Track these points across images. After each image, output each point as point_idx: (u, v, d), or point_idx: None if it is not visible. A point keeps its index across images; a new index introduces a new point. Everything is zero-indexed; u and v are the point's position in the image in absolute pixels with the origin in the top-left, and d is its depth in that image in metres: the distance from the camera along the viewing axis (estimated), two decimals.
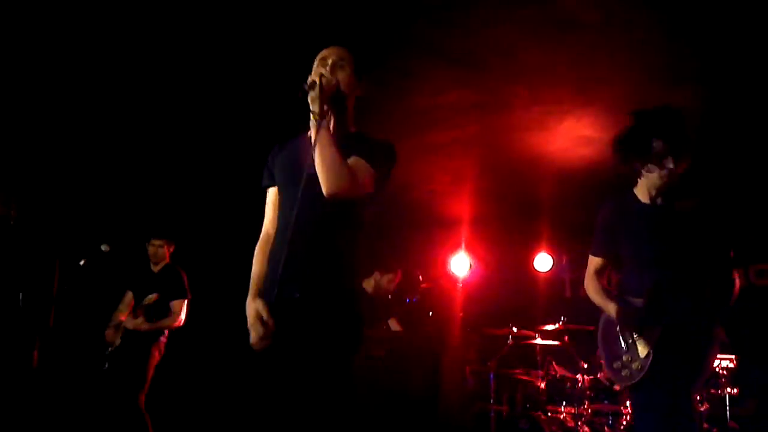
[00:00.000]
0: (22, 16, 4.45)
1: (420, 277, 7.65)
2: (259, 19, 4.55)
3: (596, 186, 6.52)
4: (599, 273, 3.68)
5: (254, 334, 2.63)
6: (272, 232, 2.89)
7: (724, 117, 5.72)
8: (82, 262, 4.89)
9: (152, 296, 5.57)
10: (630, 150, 3.48)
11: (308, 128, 2.79)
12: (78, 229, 6.22)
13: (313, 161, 2.56)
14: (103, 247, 4.90)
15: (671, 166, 3.36)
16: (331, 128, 2.73)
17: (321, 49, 2.88)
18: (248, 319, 2.69)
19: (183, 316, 5.67)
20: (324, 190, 2.54)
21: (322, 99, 2.57)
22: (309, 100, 2.57)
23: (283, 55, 4.83)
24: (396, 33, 4.72)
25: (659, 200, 3.49)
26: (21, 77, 5.17)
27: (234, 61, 5.03)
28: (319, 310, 2.59)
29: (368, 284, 5.78)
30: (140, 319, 5.56)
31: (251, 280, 2.81)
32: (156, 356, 5.60)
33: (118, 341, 5.58)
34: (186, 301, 5.70)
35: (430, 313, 7.58)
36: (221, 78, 5.28)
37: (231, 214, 5.26)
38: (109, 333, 5.65)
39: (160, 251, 5.90)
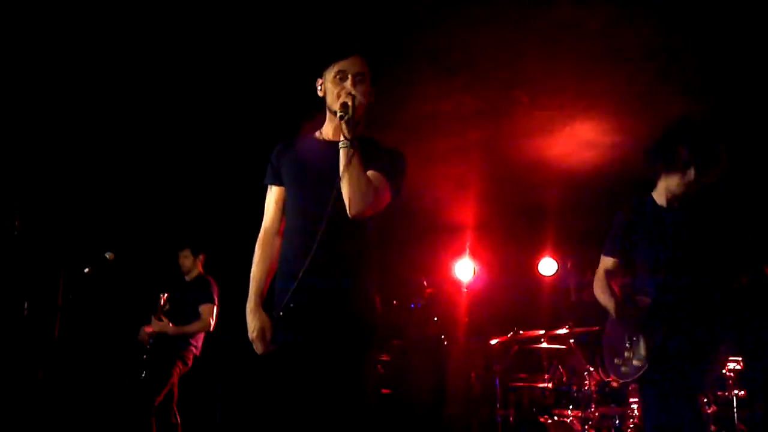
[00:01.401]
0: (28, 23, 4.48)
1: (425, 282, 7.65)
2: (262, 25, 4.57)
3: (600, 190, 6.55)
4: (609, 274, 3.68)
5: (259, 347, 2.70)
6: (273, 230, 2.89)
7: (728, 120, 5.72)
8: (86, 270, 4.90)
9: (163, 296, 5.64)
10: (656, 153, 3.49)
11: (314, 126, 2.86)
12: (82, 237, 6.24)
13: (339, 180, 2.57)
14: (108, 255, 4.91)
15: (692, 177, 3.35)
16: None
17: (324, 54, 2.83)
18: (250, 331, 2.71)
19: (212, 321, 5.69)
20: (350, 212, 2.57)
21: (354, 124, 2.58)
22: (343, 124, 2.57)
23: (286, 63, 4.87)
24: (396, 41, 4.74)
25: (676, 205, 3.48)
26: (24, 86, 5.20)
27: (241, 68, 5.06)
28: (333, 320, 2.62)
29: None
30: (165, 322, 5.61)
31: (252, 283, 2.81)
32: (180, 366, 5.60)
33: (147, 345, 5.66)
34: (214, 308, 5.71)
35: (435, 318, 7.58)
36: (225, 85, 5.30)
37: (237, 217, 5.29)
38: (141, 333, 5.72)
39: (186, 261, 5.96)
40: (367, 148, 2.68)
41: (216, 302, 5.75)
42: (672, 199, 3.47)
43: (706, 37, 4.64)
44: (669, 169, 3.43)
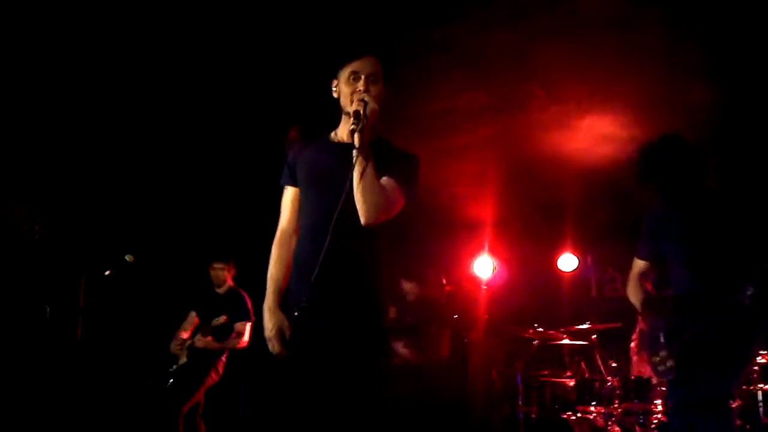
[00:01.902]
0: (45, 31, 4.51)
1: (444, 280, 7.62)
2: (279, 30, 4.58)
3: (618, 184, 6.47)
4: (643, 275, 3.75)
5: (276, 346, 2.70)
6: (289, 231, 2.90)
7: (743, 112, 5.65)
8: (107, 273, 4.94)
9: (222, 318, 5.70)
10: (638, 182, 3.60)
11: (329, 130, 2.85)
12: (102, 240, 6.28)
13: (351, 184, 2.56)
14: (128, 258, 4.94)
15: (664, 206, 3.50)
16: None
17: (338, 55, 2.82)
18: (267, 329, 2.73)
19: (247, 337, 5.76)
20: (363, 220, 2.58)
21: (367, 131, 2.57)
22: (355, 134, 2.55)
23: (304, 66, 4.87)
24: (409, 37, 4.73)
25: (688, 208, 3.50)
26: (45, 90, 5.24)
27: (259, 73, 5.07)
28: (347, 317, 2.61)
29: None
30: (209, 338, 5.70)
31: (269, 283, 2.83)
32: (213, 377, 5.69)
33: (184, 358, 5.73)
34: (250, 324, 5.77)
35: (455, 316, 7.55)
36: (243, 88, 5.31)
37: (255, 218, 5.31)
38: (174, 346, 5.80)
39: (221, 274, 6.00)
40: (380, 152, 2.67)
41: (252, 318, 5.80)
42: (674, 203, 3.52)
43: (724, 28, 4.59)
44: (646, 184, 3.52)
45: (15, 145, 5.88)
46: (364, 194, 2.55)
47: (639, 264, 3.74)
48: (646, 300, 3.58)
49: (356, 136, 2.54)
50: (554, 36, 4.69)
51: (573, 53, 4.91)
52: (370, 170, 2.56)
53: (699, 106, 5.47)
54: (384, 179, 2.63)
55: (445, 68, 5.12)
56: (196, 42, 4.68)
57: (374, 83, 2.72)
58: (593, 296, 8.25)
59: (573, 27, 4.61)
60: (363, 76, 2.72)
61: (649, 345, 3.59)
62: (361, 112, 2.57)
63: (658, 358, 3.48)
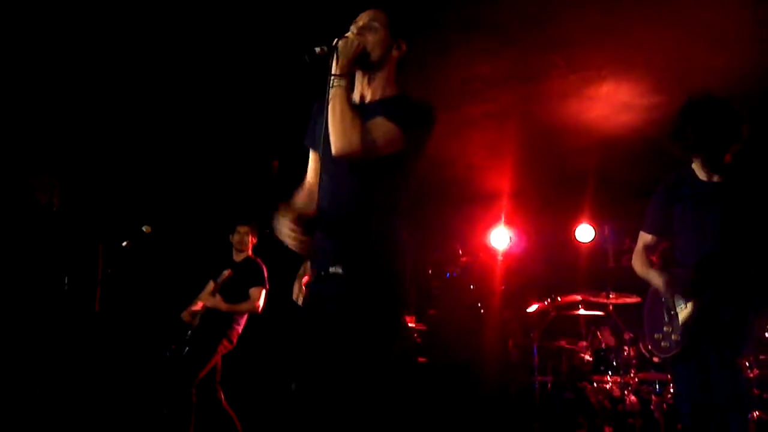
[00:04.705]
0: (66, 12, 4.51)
1: (460, 251, 7.63)
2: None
3: (638, 153, 6.42)
4: (649, 249, 3.68)
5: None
6: (311, 182, 2.89)
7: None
8: (124, 244, 4.96)
9: (226, 272, 5.68)
10: (671, 135, 3.46)
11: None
12: (119, 212, 6.31)
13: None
14: (145, 229, 4.97)
15: (705, 155, 3.38)
16: (369, 94, 2.74)
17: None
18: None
19: (261, 303, 5.74)
20: (333, 149, 2.51)
21: (342, 61, 2.55)
22: (332, 61, 2.56)
23: (317, 31, 4.82)
24: (429, 6, 4.67)
25: (716, 178, 3.45)
26: (60, 64, 5.24)
27: (276, 37, 5.03)
28: (355, 290, 2.54)
29: None
30: (218, 298, 5.66)
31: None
32: (226, 344, 5.66)
33: (196, 322, 5.70)
34: (264, 290, 5.75)
35: (471, 287, 7.56)
36: (263, 56, 5.27)
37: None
38: (185, 314, 5.76)
39: (246, 239, 5.96)
40: (388, 102, 2.67)
41: (266, 285, 5.78)
42: (708, 174, 3.44)
43: None
44: (686, 150, 3.41)
45: (33, 117, 5.89)
46: (332, 120, 2.51)
47: (645, 237, 3.67)
48: (664, 271, 3.52)
49: (332, 62, 2.55)
50: (575, 4, 4.61)
51: (594, 21, 4.83)
52: (339, 100, 2.51)
53: (720, 74, 5.38)
54: (379, 117, 2.57)
55: (464, 37, 5.05)
56: (215, 12, 4.65)
57: (374, 31, 2.72)
58: (610, 267, 8.23)
59: None
60: (361, 23, 2.74)
61: (651, 322, 3.57)
62: (338, 43, 2.57)
63: (660, 335, 3.46)
